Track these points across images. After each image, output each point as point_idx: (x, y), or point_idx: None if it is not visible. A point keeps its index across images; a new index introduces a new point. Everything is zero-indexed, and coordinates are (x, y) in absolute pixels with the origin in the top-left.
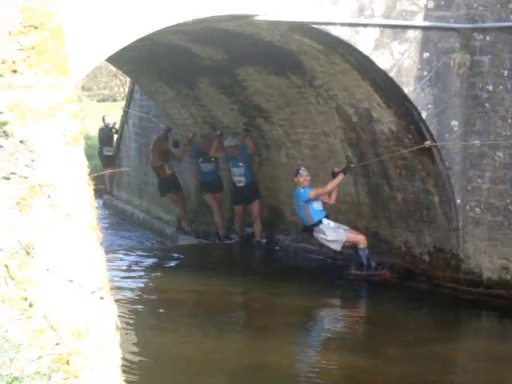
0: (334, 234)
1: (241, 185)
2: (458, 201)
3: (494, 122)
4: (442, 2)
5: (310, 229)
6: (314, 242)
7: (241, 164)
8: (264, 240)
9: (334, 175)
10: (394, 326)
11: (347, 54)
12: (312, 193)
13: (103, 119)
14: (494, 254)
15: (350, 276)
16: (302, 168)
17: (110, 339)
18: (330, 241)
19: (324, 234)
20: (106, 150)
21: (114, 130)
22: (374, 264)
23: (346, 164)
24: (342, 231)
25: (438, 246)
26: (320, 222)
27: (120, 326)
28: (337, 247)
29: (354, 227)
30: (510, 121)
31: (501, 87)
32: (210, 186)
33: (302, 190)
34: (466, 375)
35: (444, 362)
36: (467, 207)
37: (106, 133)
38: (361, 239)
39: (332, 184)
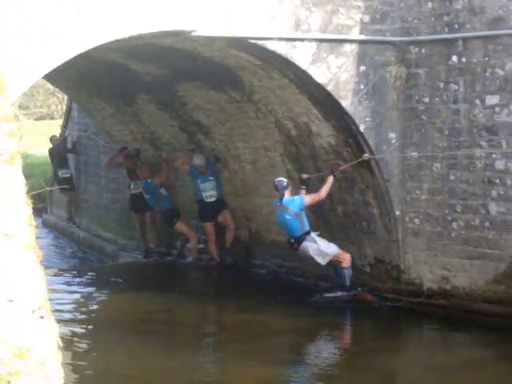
0: (325, 246)
1: (211, 200)
2: (397, 212)
3: (431, 134)
4: (378, 16)
5: (299, 239)
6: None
7: (211, 178)
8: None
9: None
10: (337, 338)
11: (285, 68)
12: (307, 199)
13: (51, 139)
14: (433, 264)
15: (329, 298)
16: (284, 179)
17: (52, 358)
18: (320, 252)
19: (316, 243)
20: (61, 173)
21: (69, 143)
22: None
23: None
24: (332, 245)
25: (378, 257)
26: (309, 231)
27: (61, 345)
28: (323, 261)
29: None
30: (446, 132)
31: (437, 99)
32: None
33: (296, 198)
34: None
35: (385, 372)
36: (406, 218)
37: (58, 152)
38: (347, 257)
39: (326, 188)
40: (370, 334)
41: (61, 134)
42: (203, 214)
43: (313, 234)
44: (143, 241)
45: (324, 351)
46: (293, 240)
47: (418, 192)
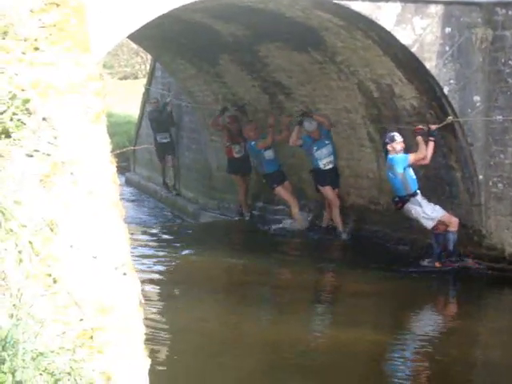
0: (430, 209)
1: (329, 167)
2: (481, 176)
3: None
4: None
5: (403, 199)
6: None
7: (327, 141)
8: (346, 234)
9: (431, 133)
10: (416, 301)
11: (369, 29)
12: (411, 157)
13: (150, 102)
14: None
15: (425, 268)
16: (396, 134)
17: (134, 315)
18: (425, 215)
19: (421, 206)
20: (160, 137)
21: (168, 109)
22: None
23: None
24: (438, 208)
25: (461, 221)
26: (416, 192)
27: (143, 302)
28: (429, 224)
29: (377, 202)
30: None
31: None
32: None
33: (398, 156)
34: (489, 350)
35: (467, 337)
36: (490, 183)
37: (157, 116)
38: (454, 221)
39: (430, 150)
40: (449, 299)
41: (157, 100)
42: (320, 180)
43: (419, 197)
44: (244, 204)
45: (401, 315)
46: (397, 199)
47: (502, 156)
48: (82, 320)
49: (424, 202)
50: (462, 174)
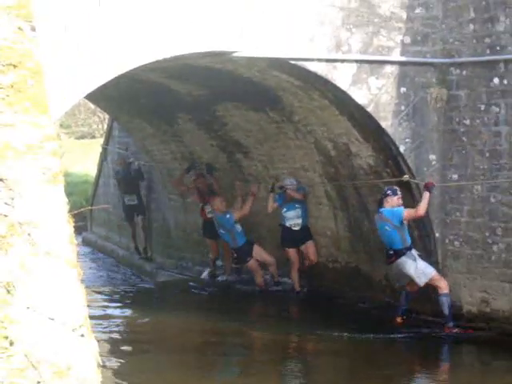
0: (424, 265)
1: (296, 228)
2: (437, 234)
3: (472, 156)
4: (419, 38)
5: (398, 252)
6: None
7: (297, 205)
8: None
9: (429, 188)
10: (376, 361)
11: (325, 89)
12: (405, 213)
13: (117, 163)
14: (473, 288)
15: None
16: (398, 188)
17: (92, 377)
18: (419, 271)
19: (415, 261)
20: (128, 199)
21: (135, 165)
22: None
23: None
24: (430, 266)
25: None
26: (411, 246)
27: (101, 364)
28: (422, 281)
29: (335, 260)
30: (487, 154)
31: (478, 121)
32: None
33: (397, 209)
34: None
35: None
36: (446, 240)
37: (124, 176)
38: (444, 283)
39: (424, 205)
40: (407, 357)
41: (123, 161)
42: (286, 240)
43: (414, 252)
44: (213, 265)
45: (362, 375)
46: (392, 252)
47: (458, 214)
48: (39, 383)
49: (418, 257)
50: (418, 233)
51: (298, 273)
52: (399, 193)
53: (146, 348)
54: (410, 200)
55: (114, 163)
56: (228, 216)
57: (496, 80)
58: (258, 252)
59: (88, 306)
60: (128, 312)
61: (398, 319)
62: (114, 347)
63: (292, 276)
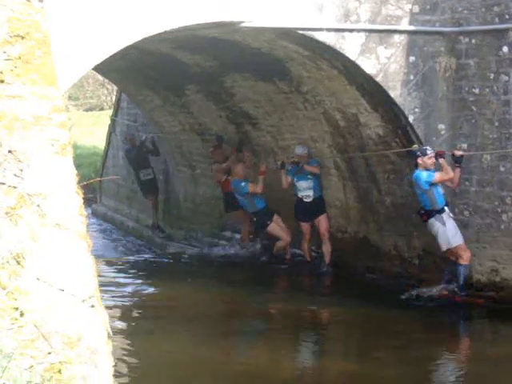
0: (453, 232)
1: (308, 200)
2: None
3: (481, 125)
4: (427, 7)
5: (429, 213)
6: None
7: (309, 176)
8: (330, 269)
9: (457, 159)
10: (386, 330)
11: (334, 59)
12: (437, 176)
13: (127, 139)
14: (483, 257)
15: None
16: (428, 148)
17: (102, 347)
18: (445, 235)
19: (444, 225)
20: (142, 175)
21: (148, 146)
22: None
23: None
24: (459, 235)
25: (427, 249)
26: (443, 209)
27: (111, 334)
28: (444, 246)
29: (344, 231)
30: (496, 123)
31: (487, 90)
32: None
33: (424, 173)
34: (459, 377)
35: (438, 364)
36: (456, 210)
37: (135, 154)
38: (467, 254)
39: (456, 173)
40: (418, 326)
41: (133, 137)
42: (299, 213)
43: (445, 215)
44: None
45: (373, 344)
46: (422, 211)
47: (467, 184)
48: (49, 353)
49: (450, 222)
50: None
51: (308, 244)
52: (429, 152)
53: (156, 315)
54: None
55: (123, 142)
56: (243, 184)
57: (505, 48)
58: (276, 223)
59: (98, 277)
60: (137, 283)
61: (444, 292)
62: (124, 319)
63: (302, 247)
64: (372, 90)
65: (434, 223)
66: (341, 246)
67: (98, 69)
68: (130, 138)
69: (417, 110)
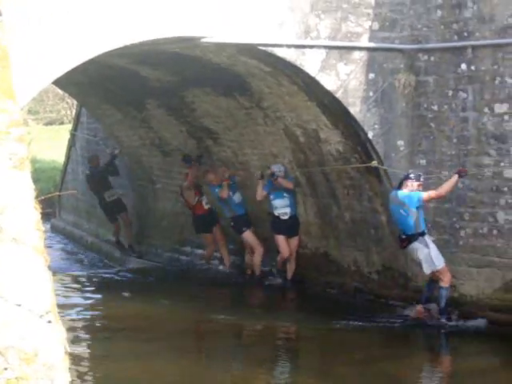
0: (435, 255)
1: (285, 218)
2: None
3: (440, 142)
4: (387, 23)
5: (410, 237)
6: None
7: (286, 194)
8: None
9: (461, 174)
10: (345, 345)
11: (294, 75)
12: (425, 196)
13: (90, 160)
14: None
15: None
16: (421, 173)
17: (59, 363)
18: (429, 258)
19: (428, 247)
20: (107, 196)
21: (114, 165)
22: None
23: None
24: (441, 258)
25: (386, 264)
26: (424, 232)
27: (68, 350)
28: (428, 270)
29: (305, 246)
30: (455, 140)
31: (446, 107)
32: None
33: (414, 193)
34: None
35: (394, 379)
36: None
37: (101, 176)
38: (448, 277)
39: (447, 187)
40: (376, 341)
41: (97, 158)
42: (275, 228)
43: (427, 238)
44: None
45: (332, 359)
46: (404, 237)
47: None
48: (6, 369)
49: (432, 244)
50: (386, 218)
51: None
52: (422, 180)
53: (110, 334)
54: (378, 186)
55: (85, 165)
56: (217, 190)
57: (463, 66)
58: (250, 235)
59: (55, 292)
60: (95, 298)
61: (419, 308)
62: (80, 333)
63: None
64: (332, 107)
65: (417, 247)
66: (302, 262)
67: (58, 82)
68: (93, 160)
69: (376, 126)
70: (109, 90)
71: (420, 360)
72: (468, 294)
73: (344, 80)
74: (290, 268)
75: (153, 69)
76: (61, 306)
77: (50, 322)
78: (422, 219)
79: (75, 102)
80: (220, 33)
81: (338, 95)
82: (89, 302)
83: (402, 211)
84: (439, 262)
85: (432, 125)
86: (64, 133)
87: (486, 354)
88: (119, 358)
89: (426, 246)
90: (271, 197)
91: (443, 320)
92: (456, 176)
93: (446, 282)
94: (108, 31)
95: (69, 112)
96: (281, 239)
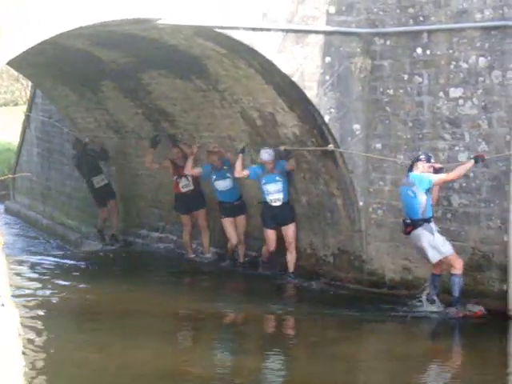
0: (441, 241)
1: (276, 204)
2: (361, 203)
3: (395, 126)
4: (343, 7)
5: (416, 223)
6: None
7: (278, 178)
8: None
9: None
10: (300, 328)
11: (251, 58)
12: (436, 179)
13: (74, 146)
14: (396, 255)
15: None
16: (431, 155)
17: (12, 345)
18: (434, 246)
19: (433, 235)
20: (96, 182)
21: (94, 150)
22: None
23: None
24: (449, 244)
25: (341, 247)
26: (430, 219)
27: (22, 333)
28: (435, 258)
29: (262, 229)
30: (410, 124)
31: (401, 91)
32: (230, 208)
33: (424, 176)
34: (370, 375)
35: (349, 361)
36: (370, 209)
37: (85, 161)
38: (459, 263)
39: (459, 171)
40: (331, 324)
41: (80, 142)
42: (266, 218)
43: (433, 224)
44: (190, 246)
45: (287, 341)
46: (408, 221)
47: (381, 183)
48: None
49: (437, 232)
50: (342, 201)
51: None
52: (433, 161)
53: (66, 315)
54: (334, 169)
55: (73, 147)
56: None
57: (419, 50)
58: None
59: (9, 275)
60: (51, 281)
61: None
62: (35, 317)
63: (263, 253)
64: (288, 90)
65: (422, 233)
66: (260, 244)
67: (13, 63)
68: (76, 142)
69: (332, 110)
70: (64, 71)
71: (370, 343)
72: (422, 276)
73: (300, 63)
74: (291, 259)
75: (109, 50)
76: (16, 290)
77: (2, 305)
78: (429, 204)
79: (30, 84)
80: (176, 14)
81: (295, 79)
82: (42, 284)
83: (409, 192)
84: (447, 249)
85: (388, 109)
86: (19, 114)
87: (437, 336)
88: (72, 339)
89: (431, 232)
90: (263, 181)
91: (457, 307)
92: (472, 161)
93: (458, 268)
94: (63, 12)
95: (23, 93)
96: (269, 232)
